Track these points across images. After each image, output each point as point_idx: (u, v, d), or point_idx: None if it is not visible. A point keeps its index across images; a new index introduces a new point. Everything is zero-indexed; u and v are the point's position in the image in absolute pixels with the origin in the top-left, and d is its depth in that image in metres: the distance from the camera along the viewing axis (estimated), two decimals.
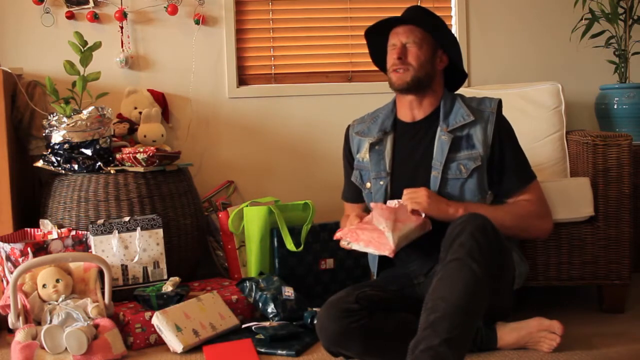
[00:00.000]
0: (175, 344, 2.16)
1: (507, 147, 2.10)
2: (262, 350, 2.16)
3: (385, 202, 2.08)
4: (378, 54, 2.23)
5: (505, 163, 2.09)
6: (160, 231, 2.56)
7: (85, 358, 2.07)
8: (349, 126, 2.32)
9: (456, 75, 2.20)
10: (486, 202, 2.09)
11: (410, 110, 2.17)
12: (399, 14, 2.15)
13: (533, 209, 2.09)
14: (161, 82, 3.15)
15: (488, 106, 2.11)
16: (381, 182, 2.14)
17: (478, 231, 1.75)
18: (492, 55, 3.31)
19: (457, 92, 2.23)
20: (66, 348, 2.08)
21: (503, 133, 2.10)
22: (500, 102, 2.13)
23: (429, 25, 2.10)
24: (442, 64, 2.15)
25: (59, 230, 2.55)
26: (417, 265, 2.10)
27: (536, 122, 2.87)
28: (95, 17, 3.07)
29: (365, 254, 2.14)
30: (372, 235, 1.91)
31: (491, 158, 2.08)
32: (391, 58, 2.11)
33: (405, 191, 2.01)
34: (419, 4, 2.12)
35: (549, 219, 2.15)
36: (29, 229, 2.60)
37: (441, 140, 2.07)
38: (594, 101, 3.16)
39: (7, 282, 2.34)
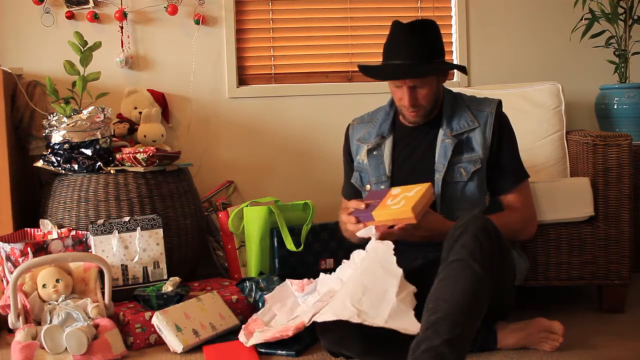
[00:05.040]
0: (175, 344, 2.16)
1: (504, 147, 2.10)
2: (262, 350, 2.16)
3: None
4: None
5: (501, 162, 2.09)
6: (160, 231, 2.55)
7: (85, 358, 2.07)
8: (349, 125, 2.32)
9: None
10: (485, 202, 2.09)
11: None
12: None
13: (520, 218, 2.08)
14: (161, 82, 3.15)
15: (487, 107, 2.11)
16: (382, 187, 2.13)
17: (480, 232, 1.75)
18: (492, 55, 3.31)
19: (457, 90, 2.22)
20: (66, 348, 2.07)
21: (502, 133, 2.10)
22: (499, 102, 2.13)
23: (430, 70, 2.01)
24: (444, 79, 2.12)
25: (59, 230, 2.55)
26: (418, 266, 2.10)
27: (536, 122, 2.87)
28: (95, 17, 3.07)
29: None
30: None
31: (489, 158, 2.08)
32: (398, 99, 2.08)
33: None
34: (415, 25, 2.02)
35: (534, 223, 2.16)
36: (29, 229, 2.60)
37: (444, 144, 2.07)
38: (594, 101, 3.16)
39: (7, 282, 2.34)
